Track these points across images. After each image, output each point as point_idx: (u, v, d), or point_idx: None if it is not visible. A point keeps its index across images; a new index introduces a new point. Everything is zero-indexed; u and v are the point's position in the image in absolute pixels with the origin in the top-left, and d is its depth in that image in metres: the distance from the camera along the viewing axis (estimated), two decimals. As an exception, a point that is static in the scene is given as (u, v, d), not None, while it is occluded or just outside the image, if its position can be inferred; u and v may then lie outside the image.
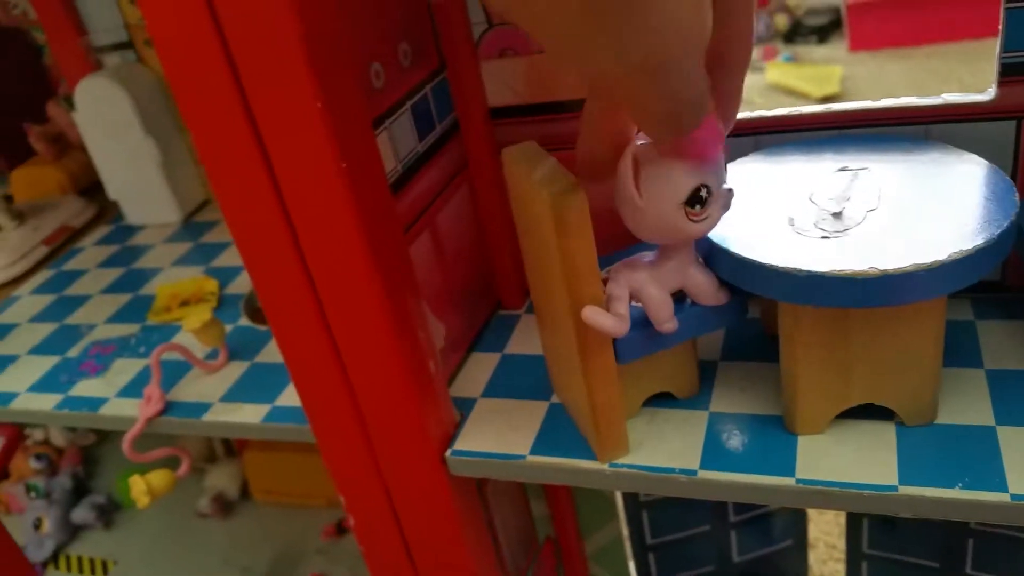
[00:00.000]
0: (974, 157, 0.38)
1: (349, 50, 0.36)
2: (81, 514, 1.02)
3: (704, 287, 0.37)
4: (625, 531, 0.70)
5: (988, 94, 0.41)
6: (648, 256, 0.38)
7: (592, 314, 0.35)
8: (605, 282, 0.37)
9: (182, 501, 1.00)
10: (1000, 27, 0.39)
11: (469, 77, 0.47)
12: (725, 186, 0.34)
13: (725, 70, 0.31)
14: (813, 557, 0.87)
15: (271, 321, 0.40)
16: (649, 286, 0.37)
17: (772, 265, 0.34)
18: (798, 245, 0.34)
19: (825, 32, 1.88)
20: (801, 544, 0.74)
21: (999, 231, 0.32)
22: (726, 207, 0.34)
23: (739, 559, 0.73)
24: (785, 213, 0.37)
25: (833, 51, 1.82)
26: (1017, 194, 0.35)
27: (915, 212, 0.35)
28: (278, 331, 0.40)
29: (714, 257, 0.37)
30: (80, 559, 0.98)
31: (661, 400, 0.42)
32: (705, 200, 0.33)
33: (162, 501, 0.56)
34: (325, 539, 0.92)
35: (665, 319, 0.37)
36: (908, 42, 1.76)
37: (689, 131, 0.30)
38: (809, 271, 0.33)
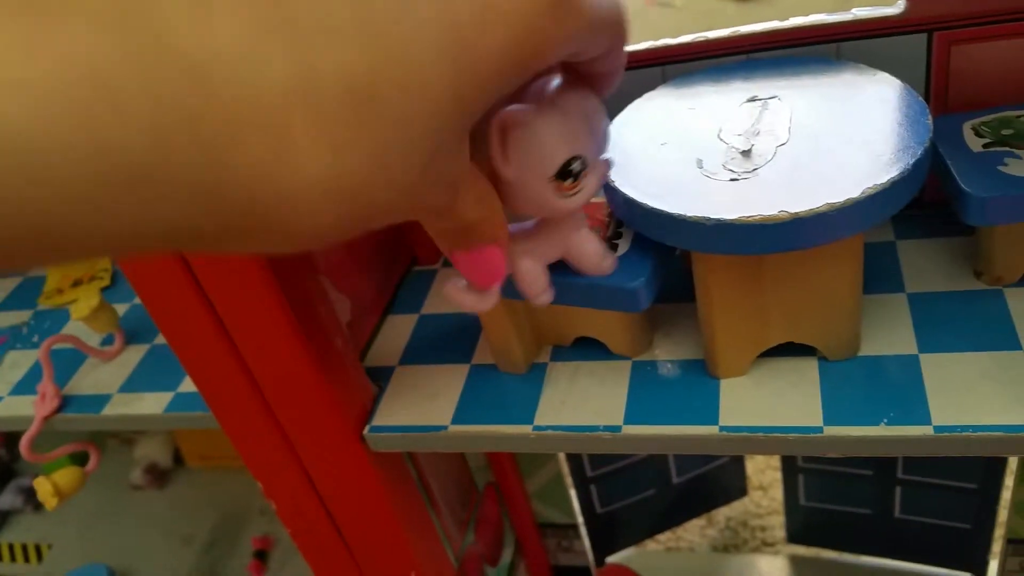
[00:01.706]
0: (886, 76, 0.36)
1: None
2: (8, 499, 0.98)
3: (587, 258, 0.34)
4: (565, 468, 0.70)
5: (898, 7, 0.39)
6: (528, 224, 0.34)
7: (452, 290, 0.32)
8: None
9: (114, 474, 0.96)
10: (906, -67, 0.37)
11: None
12: (603, 156, 0.31)
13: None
14: (751, 468, 0.89)
15: (152, 313, 0.37)
16: (522, 259, 0.34)
17: (680, 215, 0.32)
18: (707, 190, 0.32)
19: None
20: (738, 457, 0.75)
21: (913, 160, 0.31)
22: (602, 179, 0.32)
23: (679, 480, 0.74)
24: (694, 154, 0.35)
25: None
26: (930, 116, 0.33)
27: (827, 143, 0.33)
28: (163, 326, 0.37)
29: (622, 207, 0.35)
30: (12, 546, 0.95)
31: (585, 349, 0.41)
32: (578, 173, 0.30)
33: (94, 476, 0.53)
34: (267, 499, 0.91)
35: (537, 293, 0.35)
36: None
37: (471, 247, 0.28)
38: (718, 219, 0.31)
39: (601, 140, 0.31)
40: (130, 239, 0.17)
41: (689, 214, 0.31)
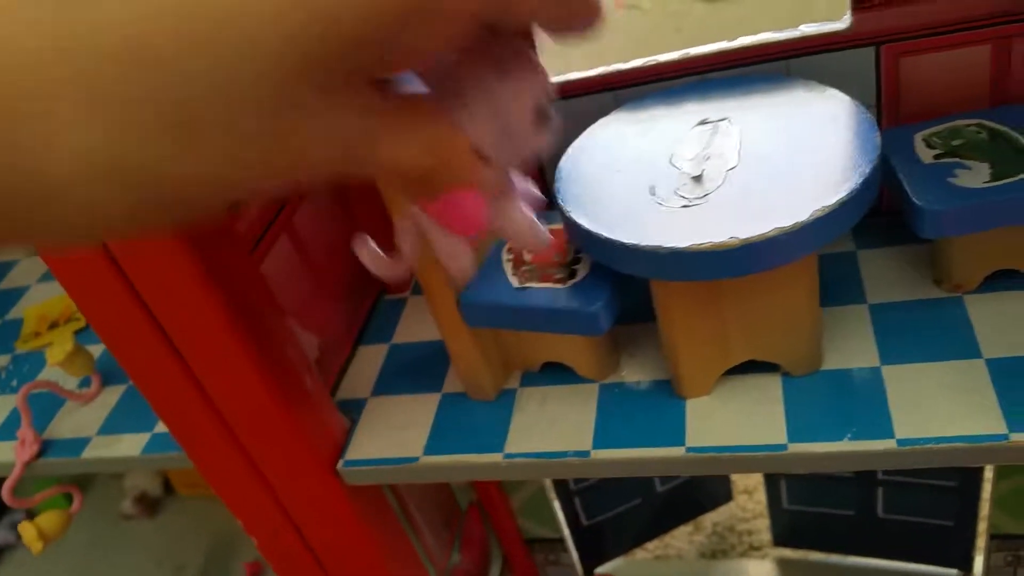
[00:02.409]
0: (836, 93, 0.37)
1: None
2: (1, 535, 0.98)
3: (519, 232, 0.30)
4: (549, 482, 0.70)
5: (844, 22, 0.39)
6: None
7: (359, 246, 0.31)
8: None
9: (105, 505, 0.96)
10: (848, -49, 0.37)
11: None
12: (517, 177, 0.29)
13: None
14: (735, 473, 0.89)
15: (124, 366, 0.37)
16: (436, 228, 0.30)
17: (634, 244, 0.32)
18: (660, 218, 0.33)
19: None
20: (724, 463, 0.75)
21: (861, 180, 0.31)
22: (511, 198, 0.29)
23: (663, 488, 0.74)
24: (647, 180, 0.35)
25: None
26: (878, 133, 0.33)
27: (776, 166, 0.33)
28: (132, 373, 0.37)
29: (578, 236, 0.35)
30: (6, 583, 0.95)
31: (553, 374, 0.41)
32: None
33: (85, 508, 0.53)
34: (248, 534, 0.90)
35: (455, 268, 0.31)
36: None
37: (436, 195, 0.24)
38: (670, 248, 0.31)
39: (518, 143, 0.26)
40: None
41: (642, 243, 0.32)
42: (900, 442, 0.33)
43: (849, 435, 0.34)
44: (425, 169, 0.23)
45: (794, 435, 0.35)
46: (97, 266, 0.33)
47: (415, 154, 0.22)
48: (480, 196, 0.25)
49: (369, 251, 0.32)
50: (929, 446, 0.33)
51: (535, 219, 0.30)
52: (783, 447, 0.35)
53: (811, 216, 0.30)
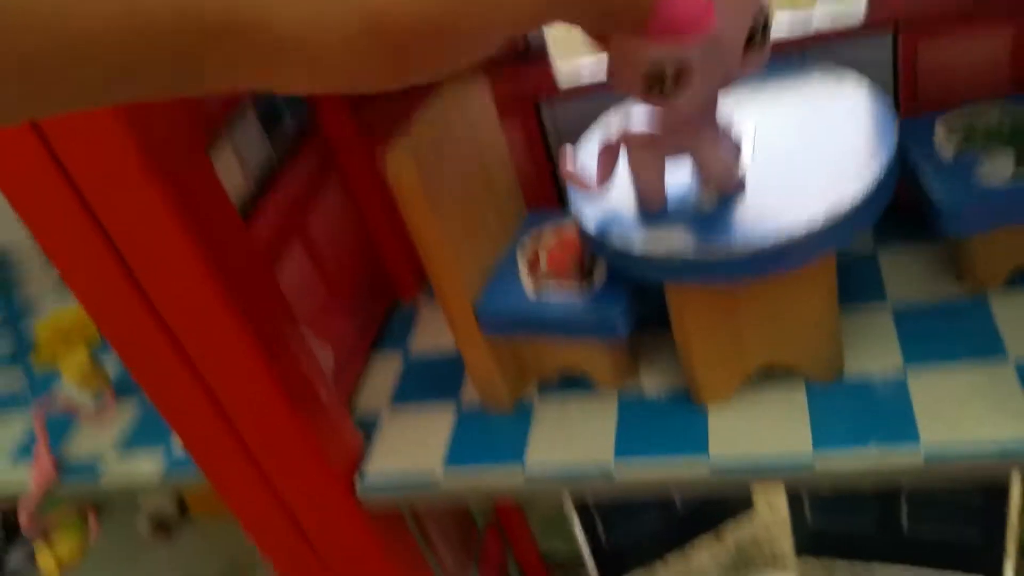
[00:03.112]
0: (854, 77, 0.35)
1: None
2: (17, 558, 0.98)
3: (711, 164, 0.31)
4: (568, 501, 0.69)
5: (859, 7, 0.38)
6: (653, 114, 0.31)
7: (567, 158, 0.33)
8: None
9: (120, 528, 0.96)
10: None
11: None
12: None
13: None
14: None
15: (139, 381, 0.36)
16: (640, 150, 0.31)
17: (647, 253, 0.31)
18: (672, 221, 0.32)
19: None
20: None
21: (877, 180, 0.30)
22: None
23: (682, 499, 0.73)
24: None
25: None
26: (896, 125, 0.32)
27: (790, 164, 0.32)
28: (148, 388, 0.37)
29: (593, 242, 0.34)
30: (23, 607, 0.94)
31: (569, 384, 0.41)
32: (666, 83, 0.26)
33: (101, 530, 0.52)
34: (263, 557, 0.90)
35: (649, 197, 0.32)
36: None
37: (638, 21, 0.23)
38: (684, 257, 0.31)
39: (729, 64, 0.26)
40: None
41: (655, 252, 0.31)
42: (926, 448, 0.32)
43: (874, 441, 0.33)
44: None
45: (819, 442, 0.34)
46: (113, 277, 0.33)
47: None
48: None
49: (573, 169, 0.33)
50: (957, 463, 0.32)
51: (734, 156, 0.31)
52: (807, 456, 0.34)
53: (824, 219, 0.29)
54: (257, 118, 0.40)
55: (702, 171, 0.31)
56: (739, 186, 0.31)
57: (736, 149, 0.31)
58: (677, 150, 0.31)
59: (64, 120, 0.29)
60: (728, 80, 0.27)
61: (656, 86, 0.26)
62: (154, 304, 0.34)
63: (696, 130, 0.30)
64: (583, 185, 0.34)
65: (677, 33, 0.23)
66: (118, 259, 0.32)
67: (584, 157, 0.36)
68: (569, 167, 0.33)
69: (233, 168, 0.38)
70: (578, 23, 0.23)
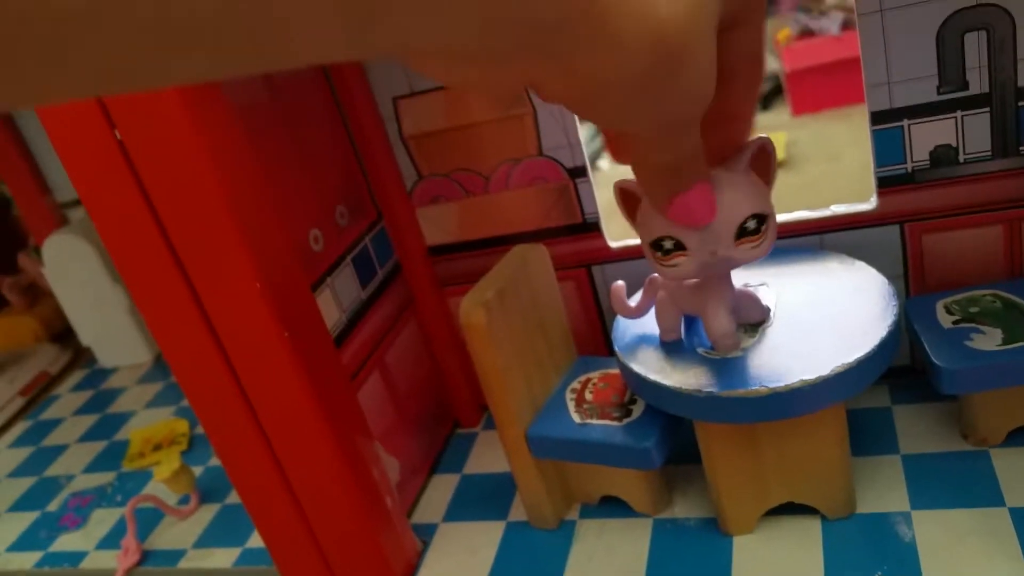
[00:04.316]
0: (864, 266, 0.42)
1: (284, 226, 0.40)
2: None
3: (710, 328, 0.38)
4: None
5: (871, 203, 0.45)
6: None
7: (616, 289, 0.42)
8: None
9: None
10: (871, 146, 0.43)
11: (407, 224, 0.51)
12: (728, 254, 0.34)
13: (736, 123, 0.33)
14: None
15: (233, 480, 0.42)
16: (662, 293, 0.40)
17: (677, 388, 0.37)
18: (702, 367, 0.38)
19: (768, 99, 1.97)
20: None
21: (878, 342, 0.36)
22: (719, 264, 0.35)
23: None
24: (693, 333, 0.40)
25: (777, 117, 1.90)
26: (896, 302, 0.38)
27: (806, 326, 0.38)
28: (240, 487, 0.43)
29: (631, 379, 0.40)
30: None
31: (609, 508, 0.45)
32: (669, 251, 0.34)
33: None
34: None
35: (664, 329, 0.41)
36: (846, 102, 1.84)
37: (686, 186, 0.30)
38: (709, 392, 0.36)
39: (711, 237, 0.33)
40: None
41: (684, 387, 0.37)
42: (928, 583, 0.36)
43: (879, 573, 0.37)
44: (690, 150, 0.29)
45: (830, 573, 0.38)
46: (226, 390, 0.39)
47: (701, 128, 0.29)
48: (711, 190, 0.31)
49: (618, 296, 0.42)
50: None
51: (729, 327, 0.38)
52: (819, 585, 0.38)
53: (832, 371, 0.35)
54: (353, 268, 0.48)
55: (705, 330, 0.39)
56: (734, 348, 0.38)
57: (734, 322, 0.38)
58: (688, 305, 0.39)
59: (204, 271, 0.36)
60: (725, 262, 0.35)
61: (658, 251, 0.35)
62: (255, 411, 0.40)
63: (702, 295, 0.38)
64: (625, 307, 0.42)
65: (683, 221, 0.32)
66: (232, 375, 0.39)
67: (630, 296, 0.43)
68: (615, 291, 0.42)
69: (331, 305, 0.45)
70: (647, 171, 0.30)
